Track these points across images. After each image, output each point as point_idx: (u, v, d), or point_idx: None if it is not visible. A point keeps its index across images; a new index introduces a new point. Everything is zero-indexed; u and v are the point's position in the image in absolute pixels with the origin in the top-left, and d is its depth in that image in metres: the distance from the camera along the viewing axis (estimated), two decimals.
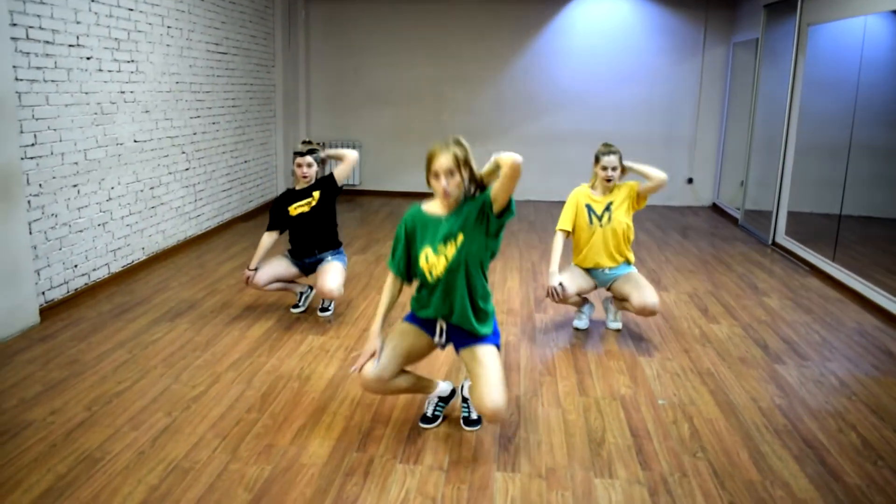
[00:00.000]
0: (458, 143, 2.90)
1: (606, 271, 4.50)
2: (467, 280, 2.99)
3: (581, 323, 4.73)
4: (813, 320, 5.06)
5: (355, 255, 6.61)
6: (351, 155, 4.67)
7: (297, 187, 4.69)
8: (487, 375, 2.95)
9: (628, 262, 4.53)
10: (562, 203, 4.70)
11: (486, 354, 3.02)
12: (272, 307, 5.01)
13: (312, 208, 4.60)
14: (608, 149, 4.37)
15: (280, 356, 4.18)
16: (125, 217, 5.71)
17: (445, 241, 2.97)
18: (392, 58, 9.89)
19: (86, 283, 5.23)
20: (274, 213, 4.71)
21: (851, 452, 3.23)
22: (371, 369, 3.05)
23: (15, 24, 4.40)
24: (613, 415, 3.55)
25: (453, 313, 3.05)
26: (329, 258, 4.71)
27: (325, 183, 4.65)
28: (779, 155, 7.37)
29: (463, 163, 2.88)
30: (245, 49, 7.98)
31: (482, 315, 3.07)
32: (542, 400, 3.70)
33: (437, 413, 3.40)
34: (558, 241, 4.48)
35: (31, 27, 4.54)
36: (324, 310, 4.90)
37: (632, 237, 4.50)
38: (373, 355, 3.04)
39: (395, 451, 3.14)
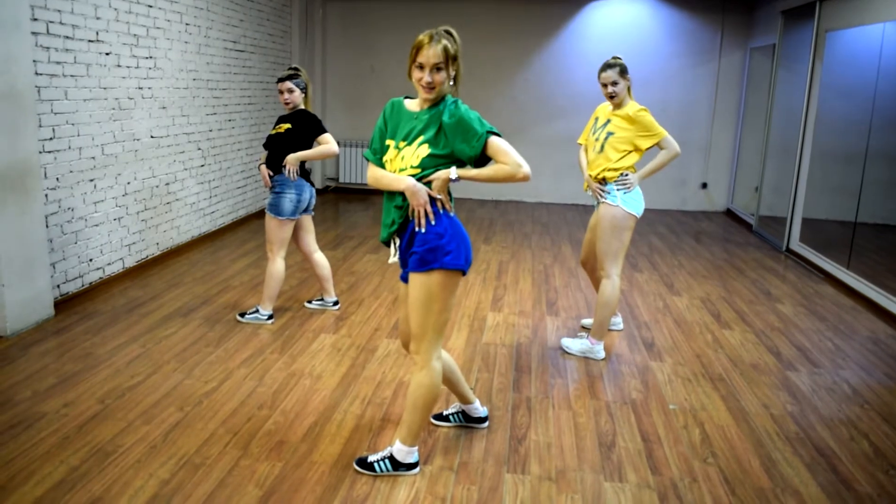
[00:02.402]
0: (450, 35, 2.68)
1: (600, 186, 4.24)
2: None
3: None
4: (826, 328, 5.03)
5: (368, 254, 6.62)
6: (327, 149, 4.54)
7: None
8: (409, 316, 2.82)
9: (616, 180, 4.18)
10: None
11: (412, 290, 2.75)
12: (285, 305, 5.03)
13: (278, 134, 4.54)
14: (605, 64, 4.16)
15: (292, 353, 4.20)
16: (140, 212, 5.75)
17: (409, 137, 2.72)
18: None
19: (100, 277, 5.27)
20: None
21: (863, 461, 3.21)
22: (400, 338, 3.08)
23: (36, 19, 4.44)
24: (624, 418, 3.54)
25: (396, 222, 2.77)
26: (268, 200, 4.60)
27: (299, 119, 4.54)
28: (794, 161, 7.33)
29: (452, 59, 2.65)
30: (262, 47, 8.01)
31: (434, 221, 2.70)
32: (552, 402, 3.70)
33: (452, 419, 3.40)
34: (580, 155, 4.44)
35: (51, 22, 4.58)
36: (242, 314, 4.77)
37: (616, 165, 4.14)
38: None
39: None
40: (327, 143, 4.51)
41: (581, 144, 4.48)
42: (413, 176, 2.69)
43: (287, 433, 3.26)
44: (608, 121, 4.23)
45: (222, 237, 7.09)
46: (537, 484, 2.94)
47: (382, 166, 2.82)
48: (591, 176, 4.26)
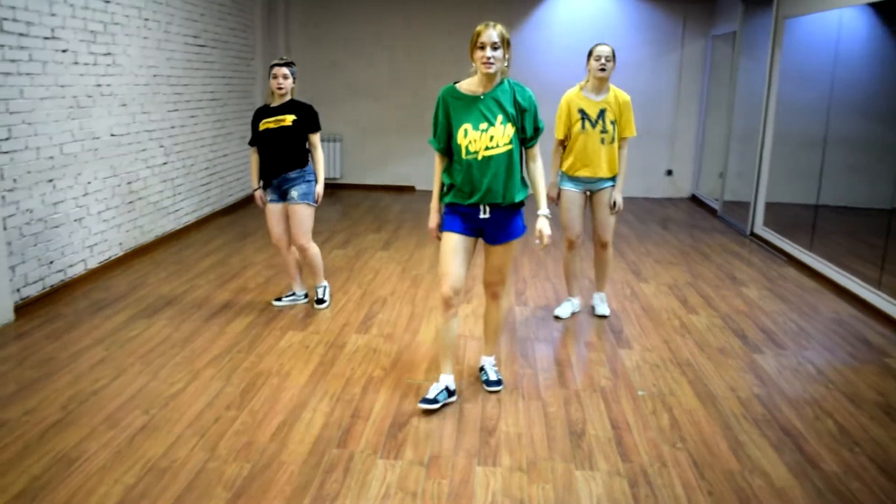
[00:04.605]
0: (503, 27, 3.21)
1: (596, 181, 4.56)
2: (509, 157, 3.31)
3: (562, 312, 4.76)
4: (790, 310, 5.10)
5: (336, 249, 6.58)
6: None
7: (273, 104, 4.65)
8: (491, 265, 3.57)
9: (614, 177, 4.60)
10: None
11: (500, 253, 3.52)
12: (252, 303, 4.98)
13: (282, 127, 4.53)
14: (600, 43, 4.49)
15: (259, 352, 4.15)
16: (102, 212, 5.65)
17: (488, 119, 3.25)
18: (371, 51, 9.84)
19: (62, 280, 5.16)
20: (252, 128, 4.72)
21: (828, 440, 3.27)
22: (449, 283, 3.44)
23: None
24: (594, 406, 3.56)
25: (493, 190, 3.31)
26: (294, 193, 4.62)
27: (305, 112, 4.61)
28: (757, 146, 7.42)
29: (507, 42, 3.19)
30: (224, 41, 7.90)
31: (521, 185, 3.41)
32: (522, 392, 3.70)
33: (438, 398, 3.46)
34: (556, 151, 4.59)
35: (4, 19, 4.46)
36: (320, 301, 4.92)
37: (618, 156, 4.58)
38: (436, 232, 3.56)
39: (375, 446, 3.14)
40: (316, 147, 4.74)
41: (558, 140, 4.54)
42: (506, 152, 3.29)
43: (255, 433, 3.23)
44: (603, 110, 4.41)
45: (187, 236, 6.99)
46: (508, 475, 2.94)
47: (447, 156, 3.40)
48: (599, 171, 4.48)
